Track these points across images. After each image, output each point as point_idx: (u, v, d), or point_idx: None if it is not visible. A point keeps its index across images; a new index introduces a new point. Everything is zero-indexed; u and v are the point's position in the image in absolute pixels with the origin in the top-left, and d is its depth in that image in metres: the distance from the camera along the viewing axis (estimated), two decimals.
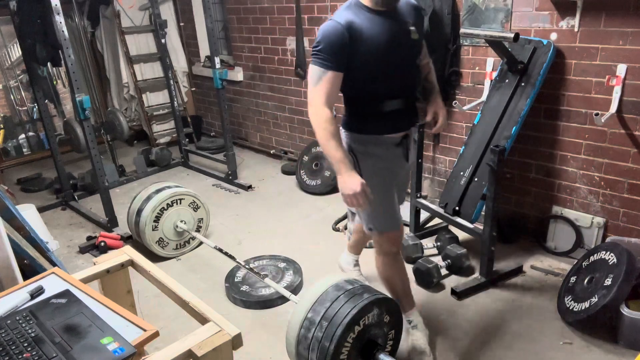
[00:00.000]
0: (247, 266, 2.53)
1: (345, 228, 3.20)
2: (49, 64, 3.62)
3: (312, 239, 3.15)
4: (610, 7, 2.29)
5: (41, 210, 3.64)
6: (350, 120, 1.88)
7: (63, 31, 2.91)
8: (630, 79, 2.31)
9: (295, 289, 2.56)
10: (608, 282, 2.09)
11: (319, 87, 1.67)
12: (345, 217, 3.30)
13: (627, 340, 2.05)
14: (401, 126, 1.86)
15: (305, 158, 3.93)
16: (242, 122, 4.93)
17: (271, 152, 4.66)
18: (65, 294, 1.23)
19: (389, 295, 1.97)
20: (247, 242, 3.20)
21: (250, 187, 4.01)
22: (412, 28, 1.74)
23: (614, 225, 2.57)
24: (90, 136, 3.16)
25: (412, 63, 1.83)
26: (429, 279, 2.51)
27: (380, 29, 1.67)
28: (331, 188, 3.70)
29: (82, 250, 3.14)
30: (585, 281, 2.23)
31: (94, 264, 1.55)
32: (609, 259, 2.18)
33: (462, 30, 2.58)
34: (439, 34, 2.89)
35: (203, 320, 1.29)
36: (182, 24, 5.08)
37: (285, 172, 4.27)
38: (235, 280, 2.67)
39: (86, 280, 1.44)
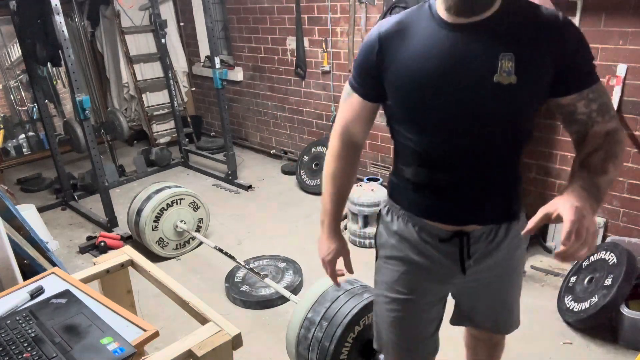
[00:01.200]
0: (247, 266, 2.53)
1: (345, 228, 3.20)
2: (48, 64, 3.62)
3: (312, 238, 3.15)
4: (610, 7, 2.29)
5: (41, 210, 3.64)
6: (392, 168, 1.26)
7: (63, 31, 2.91)
8: (630, 79, 2.32)
9: (295, 289, 2.56)
10: (608, 282, 2.09)
11: (341, 109, 1.21)
12: (345, 217, 3.30)
13: (627, 340, 2.05)
14: (452, 214, 1.14)
15: (305, 158, 3.93)
16: (242, 122, 4.93)
17: (271, 152, 4.65)
18: (65, 294, 1.23)
19: None
20: (247, 242, 3.19)
21: (250, 187, 4.01)
22: (507, 64, 0.95)
23: (614, 225, 2.57)
24: (90, 136, 3.17)
25: (494, 121, 1.03)
26: None
27: (432, 48, 1.00)
28: None
29: (82, 250, 3.14)
30: (586, 281, 2.23)
31: (94, 264, 1.55)
32: (609, 259, 2.18)
33: None
34: None
35: (203, 320, 1.29)
36: (182, 23, 5.08)
37: (285, 172, 4.27)
38: (235, 280, 2.67)
39: (86, 280, 1.44)
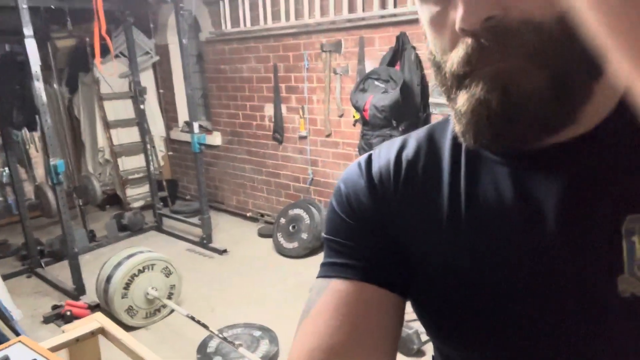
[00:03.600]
0: (220, 335, 2.44)
1: None
2: (24, 128, 3.62)
3: (289, 304, 3.08)
4: None
5: (5, 277, 3.47)
6: None
7: (41, 96, 2.95)
8: None
9: (271, 358, 2.47)
10: None
11: (302, 325, 0.55)
12: None
13: None
14: None
15: (282, 220, 3.92)
16: (219, 185, 4.94)
17: (247, 214, 4.64)
18: None
19: None
20: (221, 309, 3.10)
21: (225, 251, 3.95)
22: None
23: None
24: (62, 201, 3.11)
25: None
26: (409, 346, 2.46)
27: (479, 206, 0.48)
28: (309, 251, 3.67)
29: (46, 320, 2.98)
30: None
31: (63, 332, 1.48)
32: None
33: (431, 100, 2.73)
34: (410, 104, 3.05)
35: None
36: (161, 91, 5.20)
37: (262, 234, 4.24)
38: (208, 350, 2.56)
39: (54, 349, 1.36)
